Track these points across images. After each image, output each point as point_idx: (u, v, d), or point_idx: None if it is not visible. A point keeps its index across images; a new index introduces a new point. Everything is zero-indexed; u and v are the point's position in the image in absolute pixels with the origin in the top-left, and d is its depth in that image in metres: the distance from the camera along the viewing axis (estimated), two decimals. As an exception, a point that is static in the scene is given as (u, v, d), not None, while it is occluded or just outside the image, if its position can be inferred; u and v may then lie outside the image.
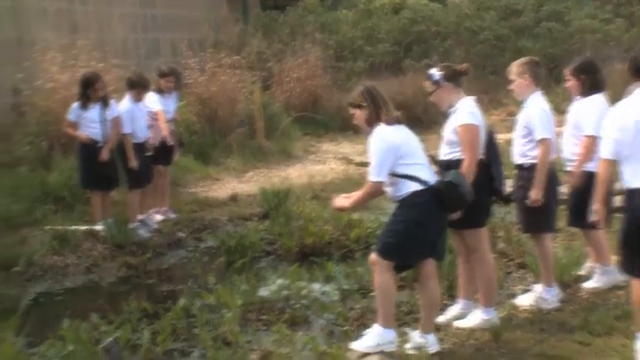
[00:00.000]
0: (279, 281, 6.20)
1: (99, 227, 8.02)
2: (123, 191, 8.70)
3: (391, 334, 4.77)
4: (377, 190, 4.75)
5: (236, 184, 10.98)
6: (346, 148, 13.94)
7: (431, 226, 4.72)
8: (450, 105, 5.17)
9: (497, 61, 17.56)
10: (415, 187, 4.66)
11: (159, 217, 8.77)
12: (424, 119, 15.92)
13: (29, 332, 5.04)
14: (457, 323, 5.29)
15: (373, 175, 4.69)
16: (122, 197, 8.81)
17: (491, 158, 5.18)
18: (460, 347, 4.97)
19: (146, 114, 8.43)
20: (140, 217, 8.42)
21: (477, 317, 5.25)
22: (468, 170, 4.94)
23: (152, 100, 8.58)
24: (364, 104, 4.79)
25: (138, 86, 8.24)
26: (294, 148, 13.14)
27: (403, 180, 4.69)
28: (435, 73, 5.18)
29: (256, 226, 8.47)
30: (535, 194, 5.34)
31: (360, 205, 5.00)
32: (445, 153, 5.17)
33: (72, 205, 8.69)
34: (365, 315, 5.50)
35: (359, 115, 4.84)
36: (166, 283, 7.12)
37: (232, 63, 13.09)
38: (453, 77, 5.18)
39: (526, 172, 5.47)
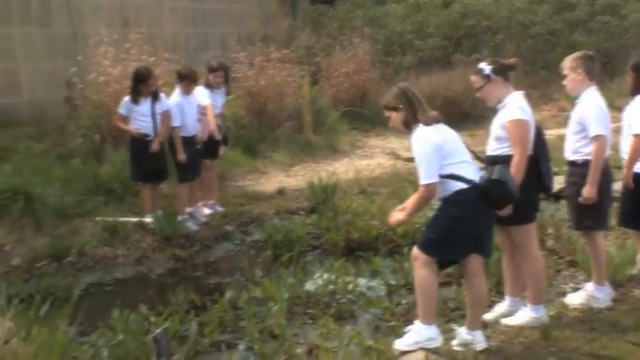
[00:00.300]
0: (326, 275, 6.20)
1: (148, 219, 8.13)
2: (172, 184, 8.81)
3: (432, 331, 4.72)
4: (431, 193, 4.66)
5: (283, 178, 11.01)
6: (394, 143, 13.87)
7: (475, 222, 4.66)
8: (499, 100, 5.08)
9: (549, 56, 17.31)
10: (460, 185, 4.61)
11: (207, 211, 8.84)
12: (473, 114, 15.79)
13: (80, 321, 5.13)
14: (505, 321, 5.22)
15: (424, 178, 4.61)
16: (171, 190, 8.91)
17: (540, 154, 5.08)
18: (508, 345, 4.90)
19: (196, 108, 8.50)
20: (189, 210, 8.51)
21: (525, 315, 5.18)
22: (518, 166, 4.86)
23: (201, 95, 8.65)
24: (400, 106, 4.73)
25: (187, 79, 8.31)
26: (342, 143, 13.13)
27: (447, 180, 4.63)
28: (485, 67, 5.10)
29: (303, 220, 8.49)
30: (588, 192, 5.24)
31: (415, 213, 4.91)
32: (493, 148, 5.09)
33: (122, 197, 8.81)
34: (411, 311, 5.46)
35: (395, 118, 4.78)
36: (213, 275, 7.19)
37: (281, 57, 13.12)
38: (502, 72, 5.09)
39: (579, 168, 5.36)
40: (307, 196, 9.37)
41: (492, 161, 4.96)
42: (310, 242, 7.81)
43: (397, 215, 4.87)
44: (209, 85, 8.86)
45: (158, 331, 4.70)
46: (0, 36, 10.87)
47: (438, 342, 4.72)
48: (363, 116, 14.85)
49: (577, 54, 5.52)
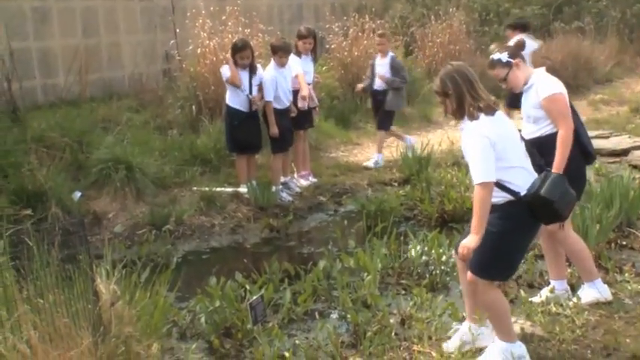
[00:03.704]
0: (419, 247, 6.19)
1: (243, 190, 8.29)
2: (266, 155, 8.94)
3: (520, 349, 4.31)
4: (489, 191, 4.04)
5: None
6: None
7: (527, 234, 4.28)
8: (525, 82, 4.96)
9: (656, 23, 16.56)
10: (504, 196, 4.13)
11: (304, 182, 8.93)
12: (572, 85, 15.31)
13: (179, 287, 5.31)
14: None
15: (479, 176, 4.04)
16: (266, 161, 9.05)
17: (578, 124, 4.93)
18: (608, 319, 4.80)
19: (290, 80, 8.55)
20: (283, 180, 8.62)
21: (587, 294, 5.09)
22: (566, 141, 4.72)
23: (294, 63, 8.69)
24: (450, 92, 4.19)
25: (280, 50, 8.35)
26: (435, 114, 12.95)
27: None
28: (500, 55, 4.97)
29: (396, 191, 8.49)
30: None
31: (484, 222, 4.05)
32: (532, 131, 4.90)
33: (218, 168, 8.99)
34: (506, 284, 5.41)
35: (448, 105, 4.25)
36: (307, 245, 7.29)
37: (375, 28, 13.03)
38: (517, 54, 5.00)
39: None
40: (401, 167, 9.35)
41: (537, 144, 4.69)
42: (403, 213, 7.83)
43: (466, 246, 4.10)
44: (298, 53, 8.90)
45: (254, 297, 4.82)
46: (105, 10, 11.23)
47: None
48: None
49: None
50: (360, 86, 10.27)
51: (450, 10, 15.62)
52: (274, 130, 8.28)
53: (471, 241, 4.07)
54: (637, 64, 17.07)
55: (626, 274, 5.59)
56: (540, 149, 4.63)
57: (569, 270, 5.57)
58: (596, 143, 10.41)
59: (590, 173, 8.65)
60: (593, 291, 5.09)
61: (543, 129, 4.90)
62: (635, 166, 9.27)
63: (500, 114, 4.24)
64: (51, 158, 7.96)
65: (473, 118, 4.13)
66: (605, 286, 5.17)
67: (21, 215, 6.73)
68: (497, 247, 4.13)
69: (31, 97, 9.86)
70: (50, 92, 10.23)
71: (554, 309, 4.99)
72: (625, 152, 10.04)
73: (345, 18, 13.42)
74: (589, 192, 7.06)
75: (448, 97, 4.21)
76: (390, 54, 10.07)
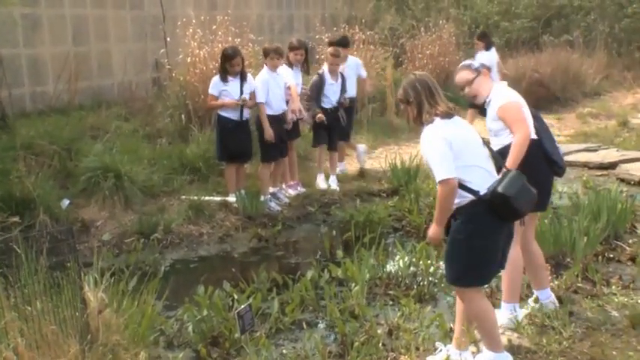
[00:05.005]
0: (407, 257, 6.21)
1: (232, 199, 8.30)
2: (255, 164, 8.95)
3: (506, 357, 4.37)
4: (451, 189, 4.10)
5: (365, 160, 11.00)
6: (477, 126, 13.61)
7: (494, 234, 4.21)
8: (487, 95, 5.02)
9: (645, 37, 16.72)
10: (465, 196, 4.17)
11: (293, 192, 8.93)
12: (561, 97, 15.44)
13: (166, 296, 5.31)
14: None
15: (440, 174, 4.10)
16: (255, 170, 9.06)
17: (542, 135, 4.98)
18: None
19: (283, 86, 8.55)
20: (271, 190, 8.63)
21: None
22: (520, 145, 4.72)
23: (287, 74, 8.72)
24: (410, 100, 4.32)
25: (271, 52, 8.34)
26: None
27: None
28: (472, 62, 5.14)
29: (385, 202, 8.51)
30: None
31: (445, 216, 4.22)
32: (495, 144, 4.86)
33: (207, 177, 8.99)
34: (494, 294, 5.44)
35: (409, 112, 4.37)
36: (295, 255, 7.30)
37: (365, 39, 13.10)
38: (487, 66, 5.14)
39: None
40: (389, 178, 9.38)
41: (501, 155, 4.67)
42: (392, 224, 7.86)
43: (430, 234, 4.35)
44: (289, 64, 8.92)
45: (242, 306, 4.82)
46: (96, 18, 11.24)
47: None
48: (447, 99, 14.64)
49: None
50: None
51: (440, 22, 15.72)
52: (269, 133, 8.24)
53: (432, 230, 4.30)
54: (625, 78, 17.21)
55: (613, 287, 5.63)
56: (504, 159, 4.66)
57: (556, 282, 5.61)
58: (585, 156, 10.59)
59: (577, 186, 8.77)
60: (507, 313, 5.03)
61: (504, 139, 4.91)
62: (622, 180, 9.36)
63: (458, 119, 4.35)
64: (39, 166, 7.95)
65: (429, 123, 4.26)
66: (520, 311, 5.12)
67: (9, 223, 6.71)
68: (466, 252, 4.19)
69: (20, 104, 9.84)
70: (39, 100, 10.22)
71: (541, 320, 5.01)
72: (613, 165, 10.12)
73: (335, 29, 13.48)
74: (577, 204, 7.13)
75: (409, 104, 4.34)
76: (340, 74, 9.46)
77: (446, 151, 4.13)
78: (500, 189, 4.14)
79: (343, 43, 9.91)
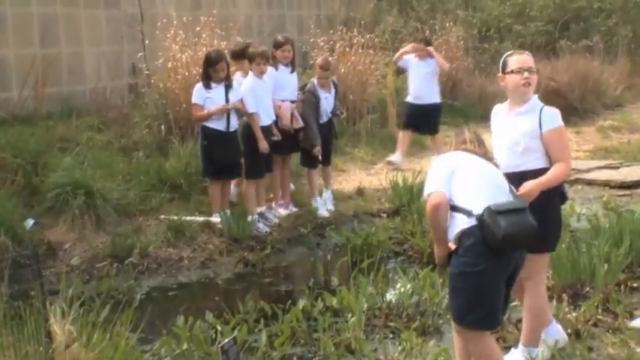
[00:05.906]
0: (409, 285, 6.21)
1: (216, 219, 8.28)
2: (240, 181, 8.95)
3: None
4: (439, 203, 4.28)
5: (364, 177, 11.02)
6: (488, 139, 13.69)
7: (497, 267, 4.25)
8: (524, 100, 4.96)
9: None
10: (462, 222, 4.27)
11: (283, 212, 8.92)
12: (580, 108, 15.48)
13: (142, 328, 5.28)
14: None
15: (425, 190, 4.43)
16: (240, 188, 9.05)
17: None
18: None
19: (271, 95, 8.56)
20: (259, 209, 8.61)
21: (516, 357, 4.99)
22: (561, 177, 4.78)
23: (279, 83, 8.72)
24: None
25: (257, 57, 8.35)
26: (427, 139, 13.06)
27: (451, 213, 4.33)
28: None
29: (385, 223, 8.52)
30: None
31: (439, 234, 4.40)
32: (517, 164, 4.84)
33: (188, 194, 8.97)
34: (504, 328, 5.43)
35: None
36: (285, 282, 7.30)
37: (364, 42, 13.14)
38: None
39: None
40: (390, 197, 9.38)
41: (519, 178, 4.71)
42: (392, 248, 7.86)
43: (437, 254, 4.52)
44: (276, 64, 8.85)
45: (227, 340, 4.79)
46: (66, 17, 11.25)
47: None
48: (455, 109, 14.72)
49: None
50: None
51: (447, 24, 15.77)
52: (263, 144, 8.25)
53: (435, 251, 4.54)
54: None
55: (638, 320, 5.63)
56: (521, 182, 4.69)
57: (573, 314, 5.60)
58: (605, 174, 10.61)
59: (597, 207, 8.78)
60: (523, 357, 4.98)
61: (532, 162, 4.86)
62: (647, 200, 9.37)
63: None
64: (1, 182, 7.93)
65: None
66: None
67: (-34, 245, 6.69)
68: (466, 290, 4.26)
69: (-20, 112, 9.83)
70: (2, 107, 10.15)
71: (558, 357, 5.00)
72: (636, 184, 10.14)
73: (331, 32, 13.52)
74: (597, 228, 7.13)
75: None
76: (333, 82, 9.57)
77: (441, 172, 4.42)
78: (486, 210, 4.16)
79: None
